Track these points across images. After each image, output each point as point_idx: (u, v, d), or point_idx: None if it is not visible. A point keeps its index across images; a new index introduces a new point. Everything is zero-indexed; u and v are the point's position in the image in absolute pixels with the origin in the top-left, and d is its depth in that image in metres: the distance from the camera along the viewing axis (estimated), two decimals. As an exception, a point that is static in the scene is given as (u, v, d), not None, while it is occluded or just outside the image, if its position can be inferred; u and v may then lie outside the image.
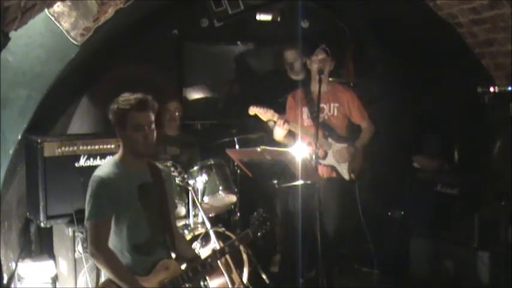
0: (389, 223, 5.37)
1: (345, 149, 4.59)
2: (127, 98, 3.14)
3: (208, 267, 3.27)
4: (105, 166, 3.19)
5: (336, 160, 4.59)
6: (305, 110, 4.71)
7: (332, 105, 4.70)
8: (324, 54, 4.58)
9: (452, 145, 5.03)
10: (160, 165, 3.38)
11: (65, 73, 4.07)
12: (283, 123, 4.45)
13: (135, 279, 3.05)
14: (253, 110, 4.48)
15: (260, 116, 4.48)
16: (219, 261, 3.51)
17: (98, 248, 3.05)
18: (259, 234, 3.44)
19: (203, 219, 4.38)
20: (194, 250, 3.56)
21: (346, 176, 4.62)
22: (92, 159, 4.19)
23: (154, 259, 3.16)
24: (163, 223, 3.23)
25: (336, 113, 4.70)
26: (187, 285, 3.19)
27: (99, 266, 3.14)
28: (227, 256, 4.11)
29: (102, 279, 3.31)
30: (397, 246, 5.10)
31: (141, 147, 3.13)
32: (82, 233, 4.04)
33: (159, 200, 3.23)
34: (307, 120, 4.69)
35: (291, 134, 4.58)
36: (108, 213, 3.08)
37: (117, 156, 3.23)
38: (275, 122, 4.49)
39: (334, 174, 4.64)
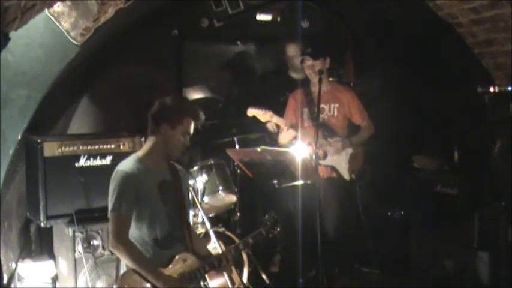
0: (389, 223, 5.37)
1: (340, 141, 4.59)
2: (189, 103, 3.47)
3: (223, 263, 3.36)
4: (128, 162, 3.27)
5: (331, 153, 4.58)
6: (305, 111, 4.71)
7: (332, 105, 4.70)
8: (310, 60, 4.57)
9: (452, 145, 5.02)
10: (177, 165, 3.46)
11: (65, 73, 4.07)
12: (287, 129, 4.46)
13: (157, 268, 3.15)
14: (251, 112, 4.48)
15: (258, 117, 4.49)
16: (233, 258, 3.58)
17: (119, 240, 3.13)
18: (270, 235, 3.53)
19: (203, 219, 4.38)
20: (206, 247, 3.62)
21: (346, 176, 4.61)
22: (92, 159, 4.19)
23: (173, 252, 3.25)
24: (181, 219, 3.35)
25: (335, 114, 4.70)
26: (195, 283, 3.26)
27: (121, 257, 3.22)
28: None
29: (121, 270, 3.36)
30: (397, 246, 5.10)
31: (178, 151, 3.33)
32: (82, 233, 4.05)
33: (177, 196, 3.35)
34: (307, 121, 4.69)
35: (296, 138, 4.58)
36: (131, 206, 3.16)
37: (140, 153, 3.33)
38: (278, 126, 4.50)
39: (334, 175, 4.64)
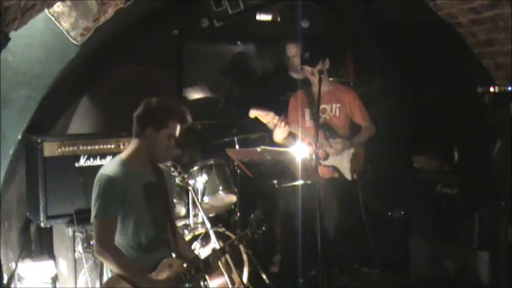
0: (389, 223, 5.37)
1: (340, 142, 4.59)
2: (176, 105, 3.25)
3: (210, 266, 3.31)
4: (111, 165, 3.20)
5: (332, 154, 4.59)
6: (307, 111, 4.71)
7: (334, 105, 4.70)
8: (308, 68, 4.57)
9: (452, 145, 5.02)
10: (161, 166, 3.40)
11: (65, 73, 4.07)
12: (284, 125, 4.44)
13: (144, 273, 3.11)
14: (253, 113, 4.47)
15: (260, 118, 4.48)
16: (219, 261, 3.54)
17: (105, 246, 3.06)
18: (256, 236, 3.51)
19: (203, 219, 4.38)
20: (193, 250, 3.59)
21: (348, 177, 4.62)
22: (92, 159, 4.19)
23: (158, 257, 3.21)
24: (166, 222, 3.29)
25: (337, 113, 4.70)
26: (187, 285, 3.22)
27: (107, 264, 3.16)
28: (227, 256, 4.12)
29: (105, 276, 3.32)
30: (397, 246, 5.10)
31: (162, 155, 3.26)
32: (82, 233, 4.05)
33: (162, 199, 3.29)
34: (309, 121, 4.69)
35: (291, 135, 4.58)
36: (115, 211, 3.10)
37: (123, 156, 3.24)
38: (275, 125, 4.49)
39: (336, 175, 4.64)
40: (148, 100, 3.21)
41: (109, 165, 3.22)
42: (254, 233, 3.50)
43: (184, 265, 3.27)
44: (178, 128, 3.21)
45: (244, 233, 3.51)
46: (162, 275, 3.16)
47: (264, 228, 3.52)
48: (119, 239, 3.15)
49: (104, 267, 3.28)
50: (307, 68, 4.59)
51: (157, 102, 3.19)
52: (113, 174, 3.11)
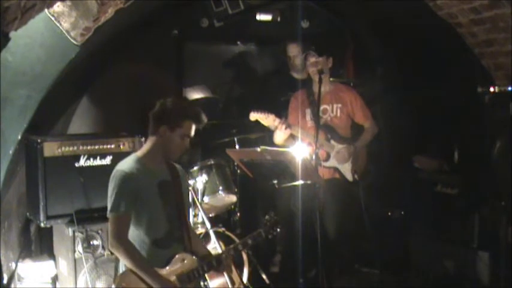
0: (389, 223, 5.37)
1: (345, 149, 4.59)
2: (191, 106, 3.38)
3: (222, 263, 3.36)
4: (127, 162, 3.26)
5: (337, 161, 4.59)
6: (308, 112, 4.70)
7: (335, 106, 4.69)
8: (313, 57, 4.56)
9: (452, 145, 5.02)
10: (176, 164, 3.45)
11: (64, 73, 4.07)
12: (285, 128, 4.44)
13: (154, 270, 3.15)
14: (254, 116, 4.47)
15: (261, 121, 4.47)
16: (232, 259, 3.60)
17: (119, 240, 3.13)
18: (269, 236, 3.55)
19: (203, 219, 4.38)
20: (206, 247, 3.61)
21: (349, 177, 4.61)
22: (92, 159, 4.19)
23: (172, 253, 3.25)
24: (180, 219, 3.34)
25: (338, 114, 4.68)
26: (188, 285, 3.23)
27: (120, 257, 3.21)
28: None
29: (120, 271, 3.35)
30: (397, 246, 5.10)
31: (175, 153, 3.33)
32: (82, 233, 4.06)
33: (176, 196, 3.34)
34: (310, 122, 4.68)
35: (292, 137, 4.57)
36: (130, 206, 3.16)
37: (139, 153, 3.32)
38: (276, 127, 4.49)
39: (337, 175, 4.64)
40: (164, 100, 3.30)
41: (125, 162, 3.28)
42: (268, 233, 3.53)
43: (197, 261, 3.30)
44: (193, 127, 3.30)
45: (258, 232, 3.53)
46: (175, 269, 3.21)
47: (278, 229, 3.55)
48: (132, 234, 3.21)
49: (120, 262, 3.30)
50: (312, 59, 4.55)
51: (172, 102, 3.29)
52: (128, 170, 3.18)
